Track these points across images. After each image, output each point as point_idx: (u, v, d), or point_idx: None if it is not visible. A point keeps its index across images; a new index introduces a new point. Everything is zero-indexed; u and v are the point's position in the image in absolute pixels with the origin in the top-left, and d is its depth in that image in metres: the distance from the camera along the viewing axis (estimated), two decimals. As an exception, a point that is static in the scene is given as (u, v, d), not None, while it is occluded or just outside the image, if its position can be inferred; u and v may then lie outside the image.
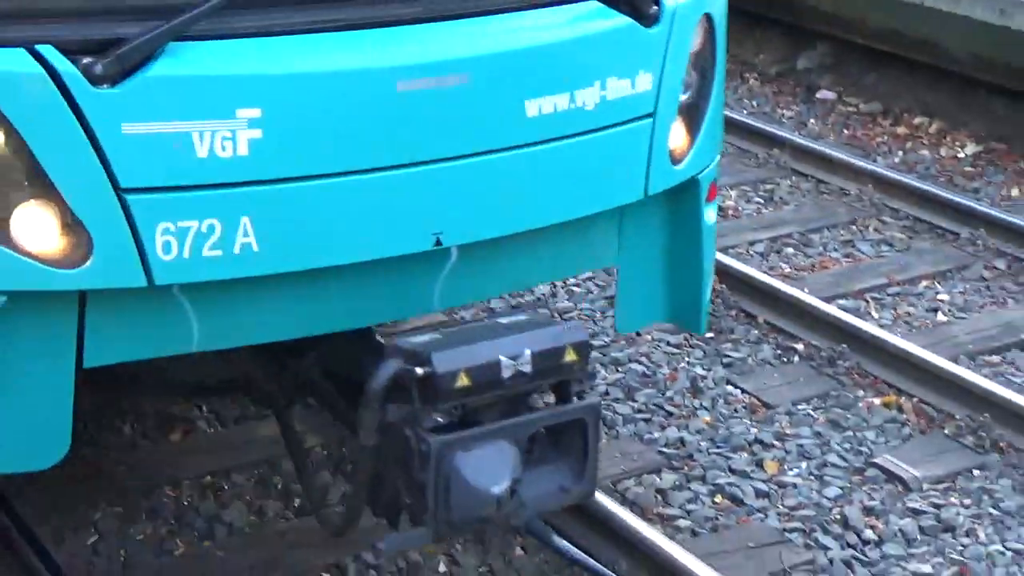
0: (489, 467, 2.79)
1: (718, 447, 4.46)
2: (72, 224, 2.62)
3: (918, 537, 4.01)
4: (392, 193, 2.90)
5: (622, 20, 3.20)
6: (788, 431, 4.57)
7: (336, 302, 3.03)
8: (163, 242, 2.67)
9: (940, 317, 5.50)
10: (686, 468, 4.33)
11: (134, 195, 2.63)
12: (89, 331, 2.76)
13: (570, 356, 2.90)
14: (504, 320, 3.00)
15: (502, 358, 2.80)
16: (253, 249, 2.76)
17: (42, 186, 2.59)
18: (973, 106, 7.70)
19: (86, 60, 2.58)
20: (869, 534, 4.00)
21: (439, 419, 2.85)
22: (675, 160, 3.45)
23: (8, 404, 2.71)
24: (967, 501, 4.21)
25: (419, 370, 2.71)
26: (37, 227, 2.61)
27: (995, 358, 5.14)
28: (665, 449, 4.41)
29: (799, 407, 4.75)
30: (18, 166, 2.58)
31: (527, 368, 2.84)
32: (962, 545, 3.98)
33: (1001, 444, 4.49)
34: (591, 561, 3.57)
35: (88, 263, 2.63)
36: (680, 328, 3.94)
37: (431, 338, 2.86)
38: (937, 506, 4.17)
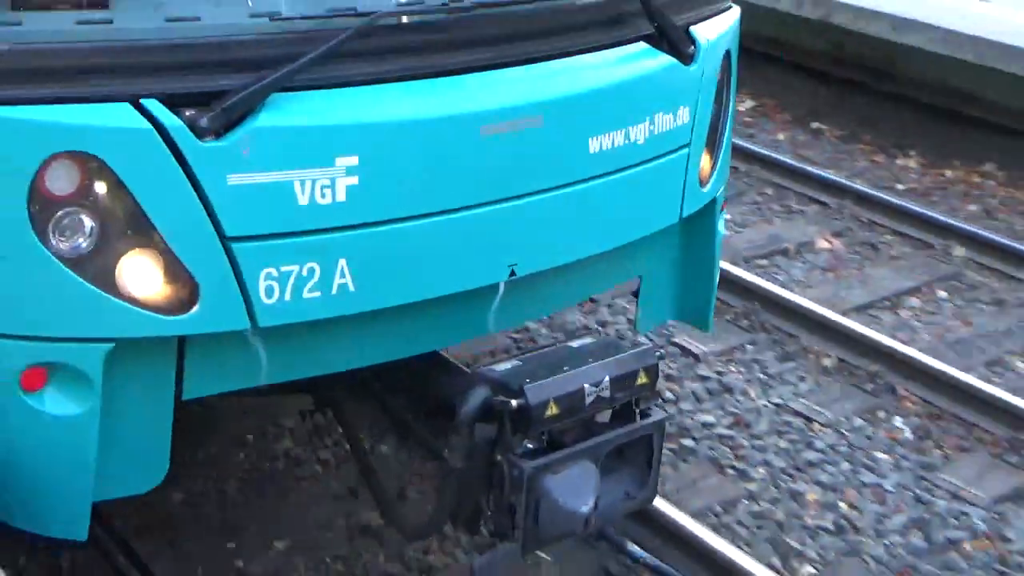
0: (576, 487, 2.95)
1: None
2: (179, 272, 2.68)
3: (706, 397, 5.11)
4: (473, 230, 3.05)
5: (666, 59, 3.43)
6: (609, 319, 5.62)
7: (403, 331, 3.17)
8: (266, 286, 2.75)
9: (724, 231, 6.10)
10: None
11: (239, 243, 2.70)
12: (188, 368, 2.87)
13: (642, 379, 3.11)
14: (576, 345, 3.17)
15: (586, 386, 2.98)
16: (349, 289, 2.86)
17: (149, 236, 2.65)
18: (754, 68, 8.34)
19: (190, 113, 2.62)
20: (669, 395, 5.05)
21: (528, 444, 2.97)
22: (702, 183, 3.71)
23: (115, 437, 2.81)
24: (742, 369, 5.37)
25: (514, 402, 2.86)
26: (145, 276, 2.68)
27: (764, 262, 6.50)
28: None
29: (616, 300, 5.76)
30: (126, 218, 2.63)
31: (606, 394, 3.03)
32: (738, 401, 5.10)
33: (767, 325, 5.74)
34: (664, 565, 3.76)
35: (195, 308, 2.70)
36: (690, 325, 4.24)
37: (514, 367, 3.01)
38: (720, 373, 5.31)
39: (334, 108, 2.82)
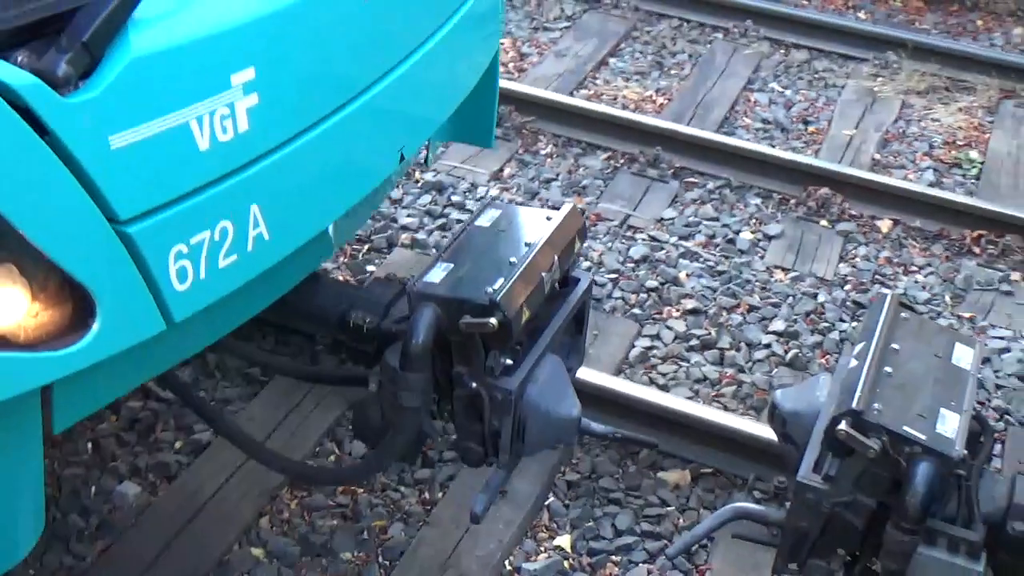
0: (557, 390, 2.59)
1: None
2: (63, 286, 1.88)
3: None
4: (368, 121, 2.49)
5: None
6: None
7: (301, 254, 2.51)
8: (178, 269, 2.02)
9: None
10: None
11: (136, 224, 1.92)
12: (57, 394, 2.03)
13: (576, 245, 2.74)
14: (485, 223, 2.71)
15: (543, 275, 2.56)
16: (265, 239, 2.21)
17: (13, 250, 1.80)
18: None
19: (31, 58, 1.78)
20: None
21: (507, 361, 2.53)
22: None
23: None
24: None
25: (493, 321, 2.39)
26: (14, 306, 1.84)
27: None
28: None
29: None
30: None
31: (557, 274, 2.65)
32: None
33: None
34: (634, 435, 3.28)
35: (94, 327, 1.89)
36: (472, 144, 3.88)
37: (449, 273, 2.50)
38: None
39: (228, 5, 2.09)
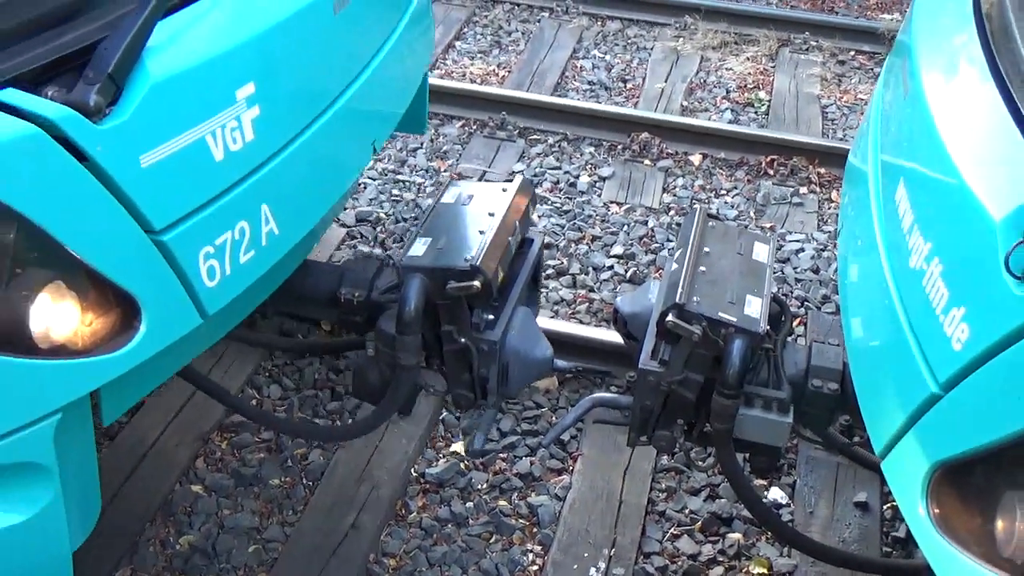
0: (529, 335, 2.60)
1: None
2: (111, 296, 1.85)
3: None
4: (347, 118, 2.48)
5: None
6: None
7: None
8: (207, 268, 2.01)
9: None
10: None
11: (170, 233, 1.91)
12: (105, 390, 1.96)
13: (530, 210, 2.78)
14: (450, 200, 2.70)
15: (509, 239, 2.59)
16: (275, 233, 2.21)
17: (67, 270, 1.77)
18: None
19: (63, 92, 1.72)
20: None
21: (489, 316, 2.54)
22: None
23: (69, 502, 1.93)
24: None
25: (477, 283, 2.39)
26: (72, 318, 1.80)
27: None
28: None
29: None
30: (35, 259, 1.72)
31: (519, 237, 2.68)
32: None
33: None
34: (590, 365, 3.41)
35: (141, 329, 1.87)
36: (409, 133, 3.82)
37: (430, 246, 2.49)
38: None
39: (219, 26, 2.03)
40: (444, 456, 3.19)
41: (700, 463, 3.16)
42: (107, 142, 1.75)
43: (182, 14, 2.02)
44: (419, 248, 2.49)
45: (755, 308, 2.36)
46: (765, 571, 2.88)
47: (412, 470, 3.13)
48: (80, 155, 1.71)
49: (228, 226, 2.06)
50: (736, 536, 2.98)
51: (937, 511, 1.66)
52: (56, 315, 1.76)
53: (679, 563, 2.91)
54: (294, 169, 2.24)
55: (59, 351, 1.78)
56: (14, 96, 1.66)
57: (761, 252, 2.58)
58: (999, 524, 1.57)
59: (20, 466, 1.78)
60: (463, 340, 2.49)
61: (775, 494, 3.11)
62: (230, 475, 3.06)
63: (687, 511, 3.06)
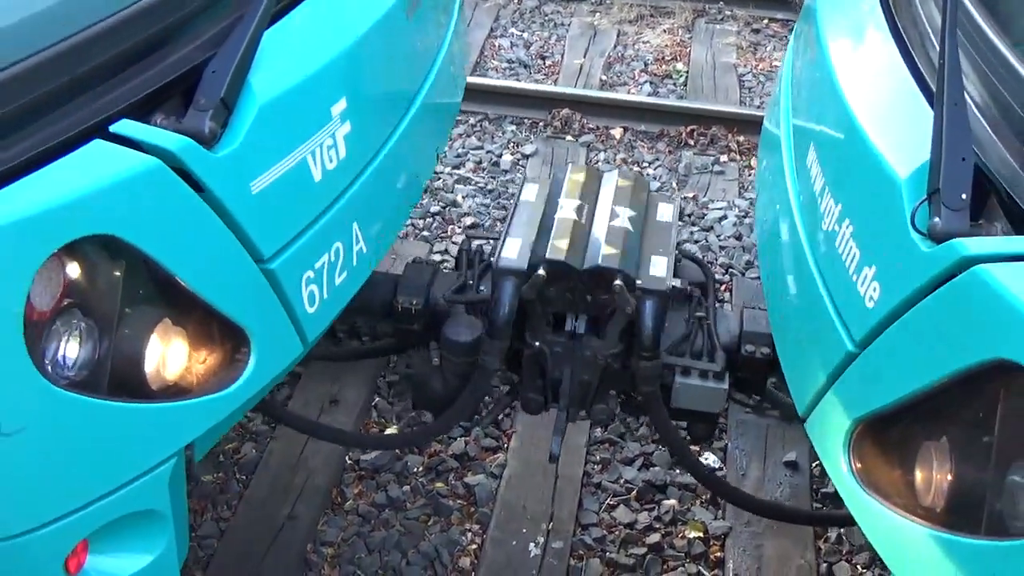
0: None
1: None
2: (222, 330, 1.75)
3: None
4: (420, 125, 2.39)
5: None
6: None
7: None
8: (308, 294, 1.90)
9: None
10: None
11: (276, 260, 1.79)
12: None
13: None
14: (534, 195, 2.61)
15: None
16: (364, 252, 2.10)
17: (177, 307, 1.68)
18: None
19: (172, 120, 1.63)
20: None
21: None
22: None
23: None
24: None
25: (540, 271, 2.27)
26: (182, 357, 1.71)
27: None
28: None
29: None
30: (147, 297, 1.64)
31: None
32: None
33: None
34: None
35: (251, 361, 1.76)
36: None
37: (516, 245, 2.39)
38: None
39: (311, 40, 1.93)
40: (379, 442, 3.17)
41: (634, 432, 3.19)
42: (222, 170, 1.65)
43: (274, 29, 1.91)
44: (512, 250, 2.38)
45: (660, 268, 2.36)
46: (700, 534, 2.92)
47: (347, 457, 3.10)
48: (197, 185, 1.62)
49: (325, 248, 1.96)
50: (671, 503, 3.02)
51: (859, 466, 1.69)
52: (167, 354, 1.67)
53: (617, 532, 2.94)
54: (378, 183, 2.15)
55: (172, 392, 1.68)
56: (130, 128, 1.57)
57: (665, 213, 2.58)
58: (918, 474, 1.60)
59: (140, 514, 1.68)
60: (538, 344, 2.40)
61: (708, 459, 3.15)
62: (161, 474, 3.00)
63: (622, 481, 3.09)
